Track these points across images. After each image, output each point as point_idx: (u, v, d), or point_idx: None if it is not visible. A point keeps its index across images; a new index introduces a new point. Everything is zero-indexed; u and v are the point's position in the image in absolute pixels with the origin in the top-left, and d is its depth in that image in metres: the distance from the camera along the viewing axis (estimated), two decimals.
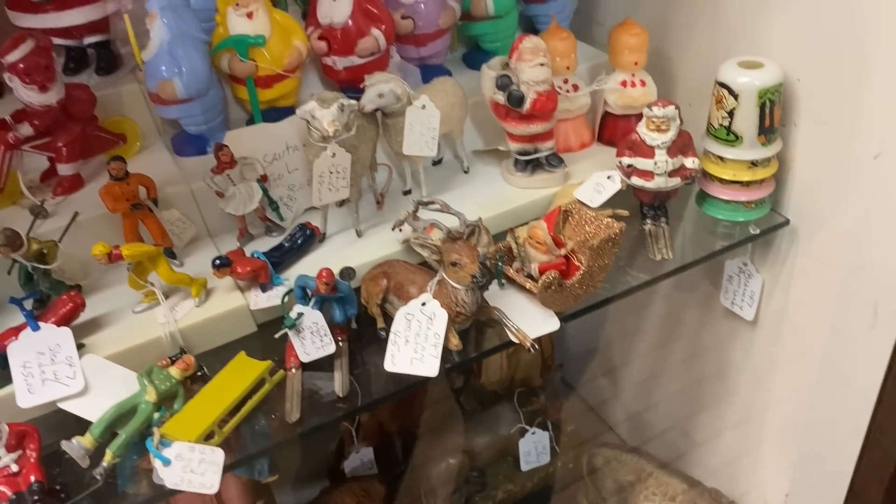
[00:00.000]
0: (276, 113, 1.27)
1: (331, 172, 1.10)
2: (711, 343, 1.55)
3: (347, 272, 1.08)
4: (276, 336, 1.02)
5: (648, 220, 1.23)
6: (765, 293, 1.37)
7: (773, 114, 1.15)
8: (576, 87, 1.34)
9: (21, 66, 1.07)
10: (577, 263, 1.08)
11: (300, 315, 1.01)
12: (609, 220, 1.09)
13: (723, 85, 1.16)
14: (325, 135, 1.05)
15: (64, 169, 1.16)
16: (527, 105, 1.19)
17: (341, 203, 1.18)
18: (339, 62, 1.28)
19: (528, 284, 1.06)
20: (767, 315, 1.39)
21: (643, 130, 1.17)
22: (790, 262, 1.31)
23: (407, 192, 1.30)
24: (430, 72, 1.40)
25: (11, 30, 1.20)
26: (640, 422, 1.87)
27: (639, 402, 1.86)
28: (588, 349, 1.96)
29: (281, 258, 1.14)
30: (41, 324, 0.97)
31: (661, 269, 1.18)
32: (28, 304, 1.01)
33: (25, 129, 1.11)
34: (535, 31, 1.50)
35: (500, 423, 1.73)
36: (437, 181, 1.31)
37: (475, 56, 1.48)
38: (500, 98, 1.21)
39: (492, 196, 1.27)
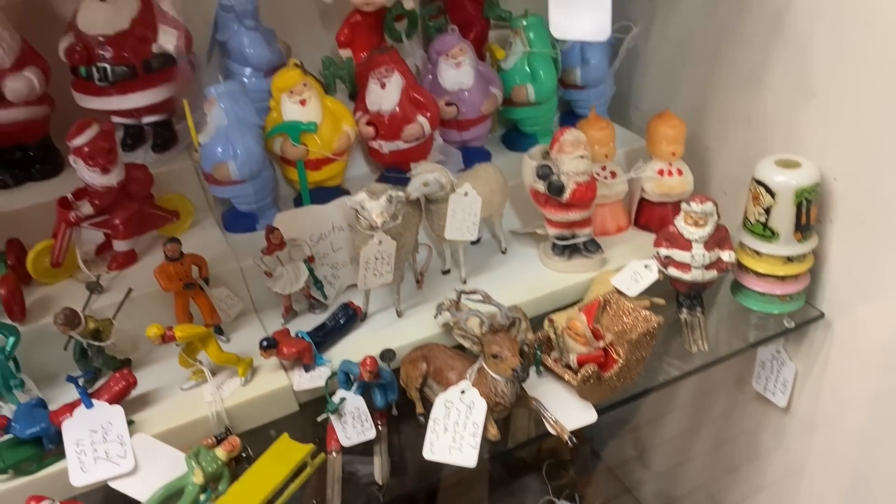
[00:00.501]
0: (323, 192, 1.32)
1: (376, 259, 1.13)
2: (743, 427, 1.55)
3: (388, 354, 1.11)
4: (319, 419, 1.05)
5: (684, 310, 1.25)
6: (798, 382, 1.38)
7: (809, 212, 1.18)
8: (614, 174, 1.37)
9: (86, 149, 1.12)
10: (615, 356, 1.10)
11: (343, 400, 1.04)
12: (647, 312, 1.11)
13: (760, 182, 1.18)
14: (374, 225, 1.09)
15: (120, 245, 1.21)
16: (567, 195, 1.22)
17: None
18: (386, 146, 1.33)
19: (567, 375, 1.08)
20: (800, 404, 1.39)
21: (681, 224, 1.19)
22: (824, 354, 1.31)
23: (446, 272, 1.33)
24: (470, 153, 1.45)
25: (76, 109, 1.27)
26: (669, 500, 1.86)
27: (669, 482, 1.85)
28: (619, 420, 1.96)
29: (324, 338, 1.17)
30: (95, 401, 1.01)
31: (696, 360, 1.20)
32: (82, 382, 1.04)
33: (86, 208, 1.16)
34: (574, 115, 1.54)
35: (528, 493, 1.74)
36: (476, 261, 1.34)
37: (514, 137, 1.53)
38: (541, 187, 1.24)
39: (529, 279, 1.30)
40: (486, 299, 1.11)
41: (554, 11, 0.96)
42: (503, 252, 1.37)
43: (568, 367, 1.09)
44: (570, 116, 1.55)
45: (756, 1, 1.25)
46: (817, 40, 1.17)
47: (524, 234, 1.39)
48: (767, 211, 1.18)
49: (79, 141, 1.12)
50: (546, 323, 1.13)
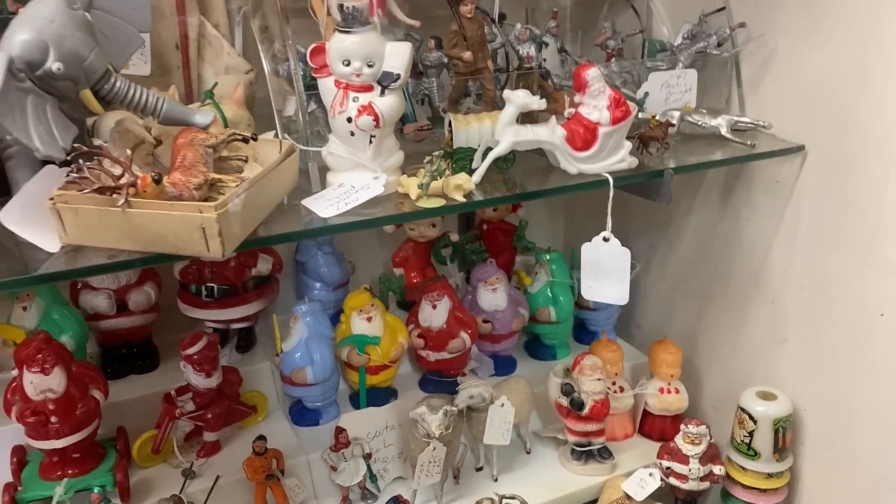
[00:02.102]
0: (376, 392, 1.56)
1: (430, 462, 1.36)
2: None
3: None
4: None
5: None
6: None
7: (785, 437, 1.43)
8: (622, 389, 1.63)
9: (196, 357, 1.37)
10: None
11: None
12: None
13: (744, 410, 1.44)
14: (432, 434, 1.33)
15: (210, 436, 1.43)
16: (586, 410, 1.47)
17: None
18: (432, 355, 1.59)
19: None
20: None
21: (680, 441, 1.44)
22: None
23: (479, 469, 1.55)
24: (500, 361, 1.71)
25: (177, 315, 1.52)
26: None
27: None
28: None
29: None
30: None
31: None
32: None
33: (188, 405, 1.39)
34: (586, 330, 1.82)
35: None
36: (504, 459, 1.56)
37: (536, 347, 1.79)
38: (564, 401, 1.49)
39: (551, 480, 1.52)
40: None
41: (585, 280, 1.25)
42: (528, 452, 1.60)
43: None
44: (582, 331, 1.83)
45: (737, 259, 1.56)
46: (788, 296, 1.47)
47: (546, 438, 1.63)
48: (751, 434, 1.43)
49: (191, 351, 1.37)
50: None
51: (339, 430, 1.39)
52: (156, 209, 0.89)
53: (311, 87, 1.20)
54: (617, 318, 1.83)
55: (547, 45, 1.44)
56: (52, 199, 0.90)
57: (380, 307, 1.54)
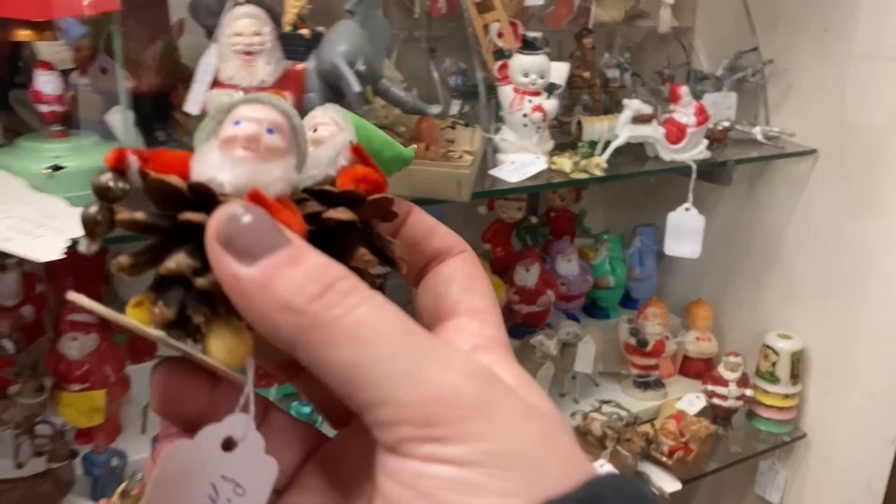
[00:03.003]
0: None
1: (542, 379, 1.79)
2: None
3: None
4: None
5: (720, 427, 1.94)
6: (787, 485, 2.06)
7: (798, 366, 1.91)
8: (667, 338, 2.09)
9: None
10: (692, 447, 1.76)
11: None
12: (707, 422, 1.79)
13: (769, 347, 1.92)
14: (549, 355, 1.76)
15: None
16: (649, 346, 1.93)
17: None
18: (525, 308, 2.02)
19: (664, 459, 1.73)
20: (790, 501, 2.06)
21: (722, 370, 1.91)
22: (805, 464, 2.01)
23: (563, 395, 1.98)
24: (568, 317, 2.16)
25: None
26: None
27: None
28: None
29: None
30: None
31: (728, 458, 1.87)
32: None
33: None
34: (630, 297, 2.29)
35: None
36: (578, 391, 2.00)
37: (593, 308, 2.24)
38: (632, 341, 1.95)
39: (621, 399, 1.97)
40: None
41: (668, 240, 1.71)
42: (596, 385, 2.04)
43: (662, 454, 1.75)
44: (627, 298, 2.29)
45: (758, 239, 2.06)
46: (799, 265, 1.96)
47: (609, 374, 2.08)
48: (773, 365, 1.92)
49: None
50: (648, 426, 1.79)
51: None
52: (427, 167, 1.31)
53: (464, 93, 1.66)
54: (656, 288, 2.31)
55: (627, 69, 1.92)
56: None
57: (487, 269, 1.97)
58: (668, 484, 1.71)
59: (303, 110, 1.19)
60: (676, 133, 1.62)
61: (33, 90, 1.21)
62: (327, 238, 0.35)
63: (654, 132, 1.62)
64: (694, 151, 1.65)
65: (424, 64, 1.72)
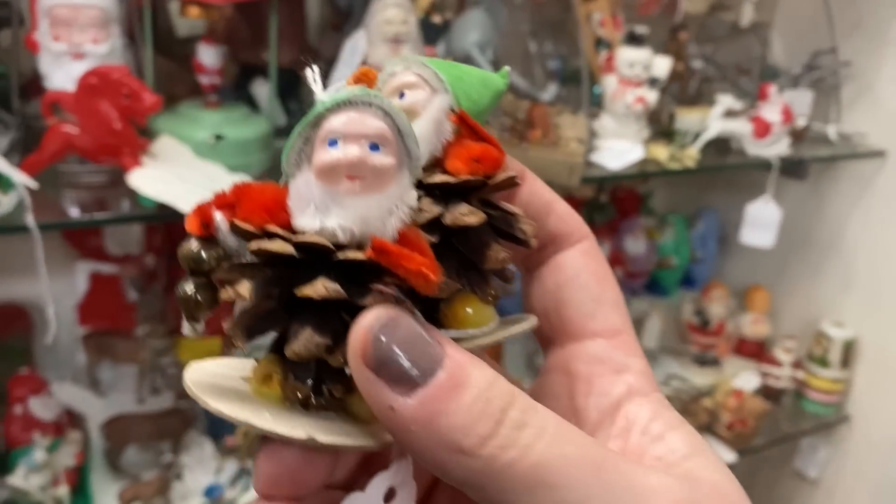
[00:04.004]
0: None
1: None
2: (780, 495, 2.34)
3: None
4: None
5: (774, 404, 2.07)
6: (827, 462, 2.19)
7: (848, 353, 2.04)
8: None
9: None
10: (749, 421, 1.89)
11: None
12: (761, 399, 1.92)
13: (822, 334, 2.05)
14: None
15: None
16: (712, 327, 2.05)
17: None
18: None
19: (723, 433, 1.87)
20: (827, 477, 2.20)
21: (777, 351, 2.03)
22: (846, 443, 2.14)
23: None
24: (634, 292, 2.28)
25: None
26: None
27: None
28: None
29: None
30: None
31: (779, 434, 2.01)
32: None
33: None
34: (690, 278, 2.40)
35: None
36: None
37: (654, 286, 2.36)
38: (695, 320, 2.07)
39: (678, 379, 2.10)
40: None
41: (745, 229, 1.83)
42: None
43: (722, 427, 1.88)
44: (686, 278, 2.41)
45: (816, 230, 2.16)
46: (857, 257, 2.08)
47: (668, 350, 2.21)
48: (825, 350, 2.04)
49: None
50: (707, 400, 1.92)
51: None
52: (542, 153, 1.42)
53: (563, 78, 1.76)
54: (715, 270, 2.42)
55: (711, 61, 2.00)
56: None
57: None
58: (725, 455, 1.85)
59: None
60: (762, 129, 1.72)
61: (196, 62, 1.31)
62: (450, 237, 0.31)
63: (742, 127, 1.72)
64: (776, 147, 1.75)
65: (523, 46, 1.81)
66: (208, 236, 0.30)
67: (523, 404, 0.28)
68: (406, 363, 0.27)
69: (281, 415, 0.30)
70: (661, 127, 1.79)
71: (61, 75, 1.11)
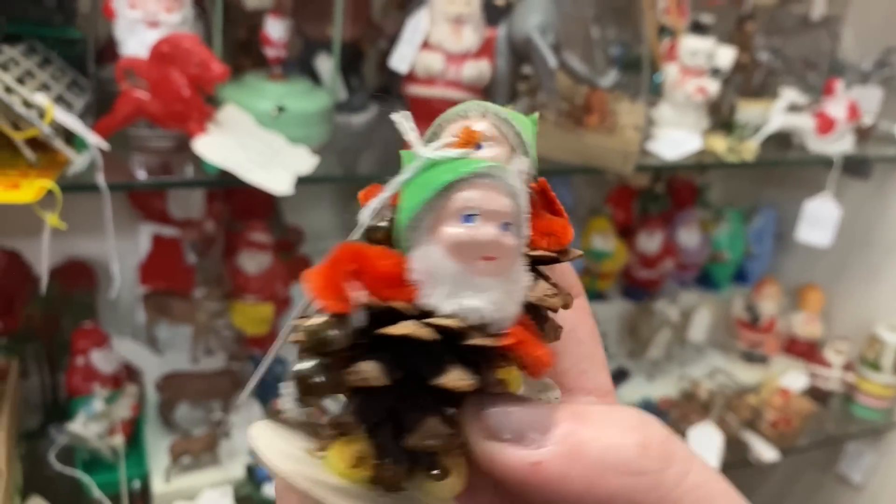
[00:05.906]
0: (597, 294, 2.11)
1: (662, 341, 1.91)
2: (822, 500, 2.31)
3: None
4: None
5: (821, 405, 2.04)
6: (871, 467, 2.16)
7: None
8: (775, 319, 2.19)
9: None
10: (794, 422, 1.87)
11: None
12: (807, 399, 1.90)
13: (876, 338, 2.00)
14: (670, 321, 1.88)
15: None
16: (762, 324, 2.03)
17: None
18: (644, 273, 2.13)
19: (767, 431, 1.85)
20: (872, 483, 2.17)
21: (829, 352, 2.00)
22: (893, 447, 2.10)
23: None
24: (684, 284, 2.26)
25: None
26: None
27: None
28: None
29: None
30: None
31: (824, 436, 1.98)
32: None
33: None
34: (743, 273, 2.37)
35: None
36: (688, 355, 2.12)
37: (706, 279, 2.34)
38: (745, 316, 2.05)
39: (724, 374, 2.08)
40: None
41: (803, 227, 1.80)
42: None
43: (766, 424, 1.87)
44: (739, 273, 2.38)
45: (876, 232, 2.11)
46: None
47: (717, 344, 2.19)
48: (878, 354, 2.00)
49: None
50: (752, 397, 1.91)
51: None
52: (598, 140, 1.42)
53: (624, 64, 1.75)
54: (769, 267, 2.39)
55: (778, 54, 1.97)
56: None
57: (611, 232, 2.09)
58: (767, 453, 1.83)
59: (495, 77, 1.33)
60: (825, 125, 1.69)
61: (263, 35, 1.35)
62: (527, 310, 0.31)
63: (805, 122, 1.69)
64: (839, 144, 1.72)
65: (585, 31, 1.81)
66: (342, 314, 0.26)
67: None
68: (528, 425, 0.29)
69: (369, 498, 0.28)
70: (721, 118, 1.77)
71: (135, 42, 1.16)
